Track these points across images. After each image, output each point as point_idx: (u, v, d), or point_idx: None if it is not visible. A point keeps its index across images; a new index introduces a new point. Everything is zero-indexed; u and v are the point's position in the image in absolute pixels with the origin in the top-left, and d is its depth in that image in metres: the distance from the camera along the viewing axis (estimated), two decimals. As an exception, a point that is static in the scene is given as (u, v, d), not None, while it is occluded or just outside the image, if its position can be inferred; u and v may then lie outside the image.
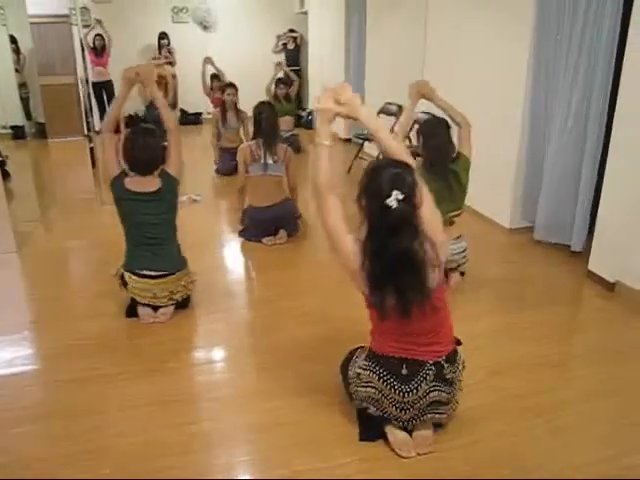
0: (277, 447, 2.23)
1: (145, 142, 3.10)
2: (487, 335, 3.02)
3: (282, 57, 10.49)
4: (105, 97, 9.14)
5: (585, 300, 3.64)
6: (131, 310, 3.23)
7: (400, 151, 2.12)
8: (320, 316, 3.24)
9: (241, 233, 4.53)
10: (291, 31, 10.48)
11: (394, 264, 1.94)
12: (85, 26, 8.87)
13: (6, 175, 6.13)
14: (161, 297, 3.19)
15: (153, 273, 3.13)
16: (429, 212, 2.00)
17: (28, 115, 8.98)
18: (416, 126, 3.79)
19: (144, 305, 3.20)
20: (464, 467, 2.10)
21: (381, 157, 2.27)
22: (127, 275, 3.16)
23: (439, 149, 3.43)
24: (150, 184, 3.11)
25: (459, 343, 2.24)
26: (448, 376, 2.12)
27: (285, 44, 10.47)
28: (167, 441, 2.25)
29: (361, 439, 2.22)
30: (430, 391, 2.09)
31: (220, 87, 7.32)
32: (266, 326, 3.21)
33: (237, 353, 2.97)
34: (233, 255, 4.41)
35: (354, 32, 7.93)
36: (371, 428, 2.23)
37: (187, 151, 7.50)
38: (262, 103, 4.56)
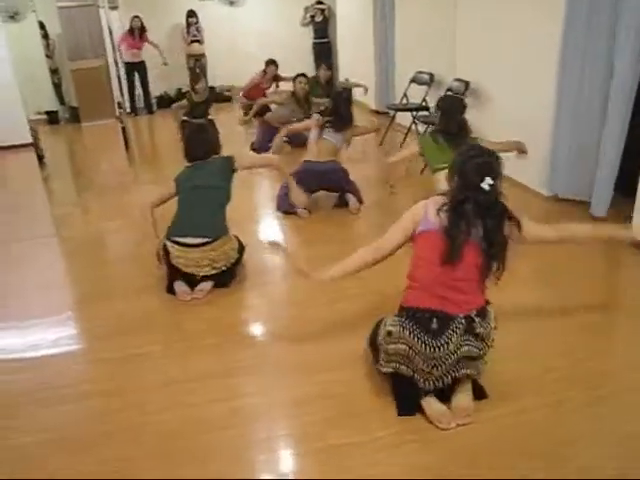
0: (315, 421, 2.23)
1: (200, 138, 3.49)
2: (526, 303, 2.96)
3: (310, 30, 10.35)
4: (137, 78, 9.14)
5: (626, 266, 3.52)
6: (170, 287, 3.26)
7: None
8: (362, 289, 3.20)
9: (279, 206, 4.55)
10: (319, 2, 10.30)
11: (482, 206, 2.15)
12: (112, 7, 8.88)
13: (41, 159, 6.27)
14: (203, 265, 3.20)
15: (195, 241, 3.15)
16: None
17: (61, 100, 9.12)
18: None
19: (181, 281, 3.23)
20: (503, 439, 2.08)
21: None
22: (169, 244, 3.19)
23: (461, 124, 3.85)
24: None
25: (487, 303, 2.24)
26: (478, 330, 2.12)
27: (313, 16, 10.30)
28: (207, 417, 2.29)
29: (399, 414, 2.21)
30: (461, 345, 2.10)
31: (294, 76, 7.03)
32: (305, 300, 3.20)
33: (276, 328, 2.99)
34: (270, 230, 4.41)
35: (383, 2, 7.75)
36: (408, 401, 2.22)
37: (219, 128, 7.52)
38: (344, 90, 5.02)
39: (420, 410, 2.19)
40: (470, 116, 4.08)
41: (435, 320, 2.10)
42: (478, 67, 5.31)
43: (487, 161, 2.20)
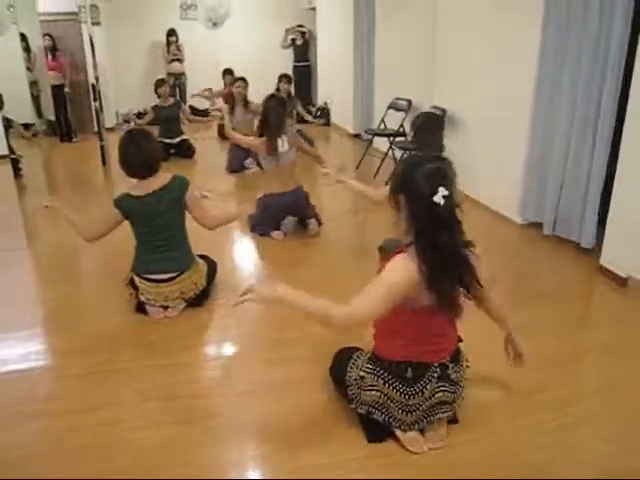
0: (286, 442, 2.23)
1: (138, 145, 3.08)
2: (497, 331, 2.99)
3: (290, 52, 10.47)
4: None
5: (597, 295, 3.61)
6: (141, 306, 3.24)
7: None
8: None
9: (253, 228, 4.55)
10: (299, 26, 10.45)
11: (447, 259, 1.89)
12: (94, 23, 8.87)
13: (18, 172, 6.20)
14: (173, 298, 3.20)
15: (162, 277, 3.14)
16: None
17: (39, 113, 9.03)
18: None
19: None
20: (474, 462, 2.10)
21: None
22: (137, 280, 3.17)
23: (430, 145, 3.40)
24: (157, 181, 3.11)
25: (460, 340, 2.24)
26: (452, 376, 2.11)
27: (294, 39, 10.44)
28: (178, 436, 2.27)
29: (369, 441, 2.20)
30: (435, 392, 2.09)
31: (231, 81, 7.30)
32: (277, 322, 3.20)
33: (247, 349, 2.98)
34: (243, 251, 4.42)
35: (363, 28, 7.90)
36: (376, 430, 2.20)
37: (196, 147, 7.53)
38: (272, 96, 4.63)
39: (390, 434, 2.19)
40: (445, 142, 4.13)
41: (410, 369, 2.07)
42: (455, 95, 5.43)
43: (439, 167, 1.89)
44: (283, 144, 4.36)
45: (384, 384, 2.09)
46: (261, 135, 4.44)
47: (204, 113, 10.32)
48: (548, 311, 3.25)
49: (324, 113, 9.75)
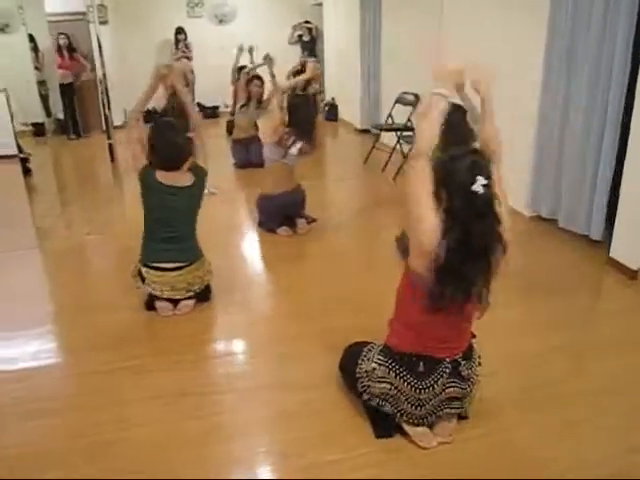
0: (294, 439, 2.23)
1: (170, 138, 3.07)
2: (504, 325, 2.99)
3: (298, 48, 10.45)
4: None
5: (606, 288, 3.60)
6: (150, 303, 3.25)
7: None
8: (341, 306, 3.24)
9: (260, 224, 4.56)
10: (306, 22, 10.42)
11: (476, 250, 1.88)
12: (102, 22, 8.90)
13: (27, 172, 6.24)
14: (179, 289, 3.20)
15: (169, 265, 3.14)
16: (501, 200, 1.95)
17: (48, 112, 9.08)
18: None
19: (162, 299, 3.22)
20: (482, 457, 2.10)
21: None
22: (144, 270, 3.18)
23: (458, 137, 3.33)
24: (182, 178, 3.11)
25: (473, 336, 2.23)
26: (464, 373, 2.11)
27: (301, 35, 10.41)
28: (186, 433, 2.28)
29: (377, 436, 2.20)
30: (446, 388, 2.09)
31: (247, 79, 7.24)
32: (286, 317, 3.22)
33: (256, 344, 2.99)
34: (251, 247, 4.43)
35: (369, 23, 7.87)
36: (384, 424, 2.21)
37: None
38: (298, 96, 4.69)
39: (398, 430, 2.19)
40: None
41: (422, 363, 2.07)
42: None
43: (475, 160, 1.89)
44: (296, 147, 4.30)
45: (395, 376, 2.09)
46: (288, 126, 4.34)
47: (212, 111, 10.37)
48: (557, 304, 3.23)
49: (332, 109, 9.73)
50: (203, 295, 3.32)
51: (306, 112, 4.40)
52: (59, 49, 8.66)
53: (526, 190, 4.55)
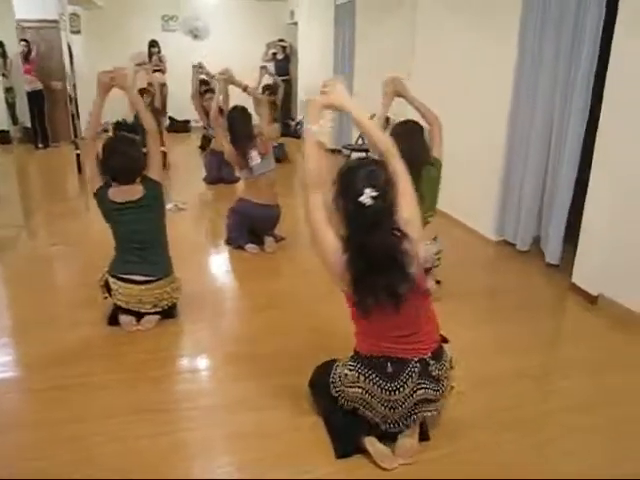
0: (255, 458, 2.20)
1: (123, 151, 3.05)
2: (469, 346, 3.01)
3: (272, 66, 10.50)
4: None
5: (568, 312, 3.65)
6: (114, 318, 3.19)
7: (378, 133, 2.19)
8: (305, 326, 3.22)
9: (229, 240, 4.52)
10: (280, 40, 10.50)
11: (375, 261, 1.92)
12: (74, 32, 8.84)
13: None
14: (146, 303, 3.15)
15: (139, 278, 3.10)
16: (408, 210, 1.99)
17: (14, 120, 8.93)
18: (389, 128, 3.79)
19: (126, 313, 3.16)
20: (443, 477, 2.09)
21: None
22: (112, 281, 3.12)
23: (412, 153, 3.36)
24: (133, 192, 3.07)
25: (445, 341, 2.24)
26: (434, 373, 2.10)
27: (275, 54, 10.48)
28: (147, 451, 2.22)
29: (337, 456, 2.18)
30: (417, 389, 2.08)
31: (200, 93, 7.21)
32: (250, 336, 3.18)
33: (220, 362, 2.94)
34: (218, 264, 4.39)
35: (343, 42, 7.98)
36: (345, 443, 2.20)
37: (174, 158, 7.51)
38: (234, 108, 4.48)
39: (359, 450, 2.18)
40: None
41: (389, 364, 2.07)
42: (434, 108, 5.47)
43: (371, 170, 1.94)
44: (253, 157, 4.26)
45: (365, 380, 2.09)
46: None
47: (184, 125, 10.34)
48: (519, 327, 3.27)
49: (303, 127, 9.78)
50: (168, 312, 3.27)
51: (243, 124, 4.31)
52: (21, 55, 8.56)
53: (493, 215, 4.63)
